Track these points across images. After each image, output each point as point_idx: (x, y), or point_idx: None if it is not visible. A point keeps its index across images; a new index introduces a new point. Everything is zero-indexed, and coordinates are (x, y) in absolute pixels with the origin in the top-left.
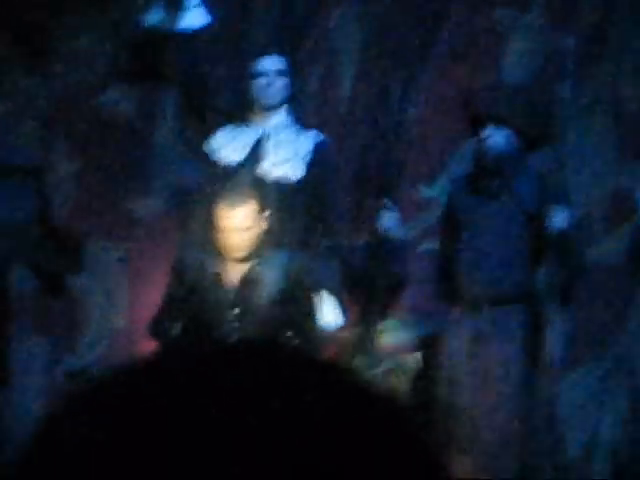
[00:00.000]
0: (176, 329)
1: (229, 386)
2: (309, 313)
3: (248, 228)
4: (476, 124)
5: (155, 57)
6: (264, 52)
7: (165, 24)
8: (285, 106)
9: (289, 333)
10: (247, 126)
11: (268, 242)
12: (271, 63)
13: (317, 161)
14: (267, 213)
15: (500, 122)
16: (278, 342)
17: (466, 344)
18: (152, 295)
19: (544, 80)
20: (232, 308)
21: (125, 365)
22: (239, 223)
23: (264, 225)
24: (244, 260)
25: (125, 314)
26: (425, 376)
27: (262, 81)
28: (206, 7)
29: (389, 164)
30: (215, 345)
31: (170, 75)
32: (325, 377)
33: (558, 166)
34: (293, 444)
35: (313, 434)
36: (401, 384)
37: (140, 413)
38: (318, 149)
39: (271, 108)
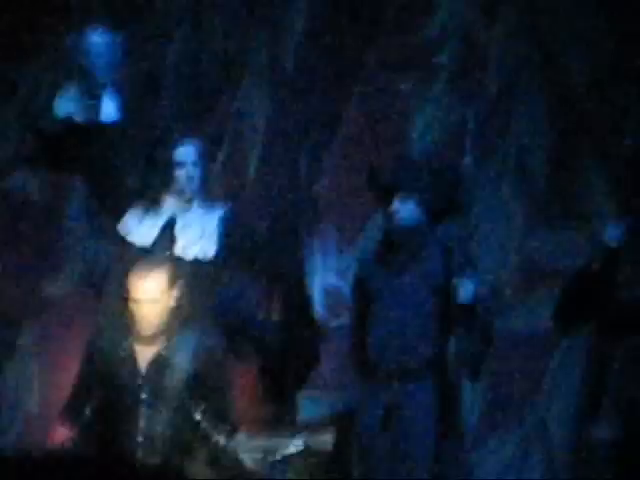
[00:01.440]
0: (88, 412)
1: None
2: (221, 392)
3: (157, 300)
4: (383, 198)
5: (64, 143)
6: (176, 140)
7: (76, 113)
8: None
9: (199, 414)
10: (156, 209)
11: (179, 321)
12: (188, 154)
13: (225, 236)
14: (177, 290)
15: (406, 194)
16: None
17: (378, 417)
18: (65, 378)
19: (450, 152)
20: (141, 391)
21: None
22: (149, 294)
23: (174, 301)
24: (154, 339)
25: (38, 398)
26: (339, 454)
27: (181, 172)
28: (117, 99)
29: (298, 238)
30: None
31: (79, 162)
32: None
33: (465, 237)
34: None
35: None
36: (315, 464)
37: None
38: (225, 223)
39: (188, 197)
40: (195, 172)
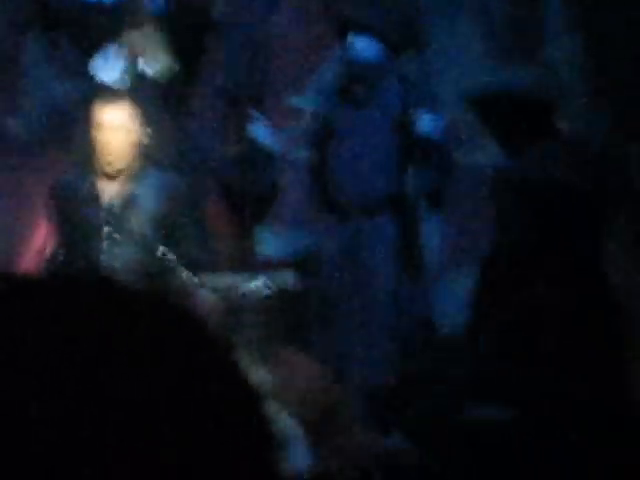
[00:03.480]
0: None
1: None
2: (185, 229)
3: (123, 127)
4: (341, 31)
5: None
6: None
7: None
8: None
9: (164, 249)
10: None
11: (143, 158)
12: None
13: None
14: (141, 124)
15: (363, 28)
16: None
17: (339, 254)
18: (27, 215)
19: None
20: (106, 226)
21: None
22: (114, 119)
23: (138, 134)
24: (119, 175)
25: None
26: (300, 291)
27: None
28: None
29: (256, 73)
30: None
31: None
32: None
33: (424, 70)
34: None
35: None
36: (275, 302)
37: None
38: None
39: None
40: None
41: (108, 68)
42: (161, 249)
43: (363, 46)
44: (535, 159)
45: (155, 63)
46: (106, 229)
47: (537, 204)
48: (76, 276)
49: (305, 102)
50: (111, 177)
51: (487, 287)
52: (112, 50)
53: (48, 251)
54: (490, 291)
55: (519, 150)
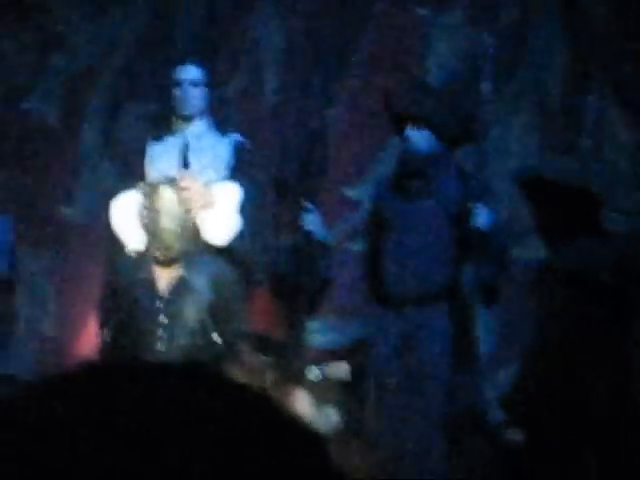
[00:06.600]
0: (106, 335)
1: (140, 410)
2: (238, 317)
3: (179, 213)
4: (398, 125)
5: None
6: (183, 60)
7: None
8: (204, 114)
9: (217, 336)
10: (172, 135)
11: (197, 246)
12: (186, 73)
13: (237, 163)
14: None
15: (421, 122)
16: (195, 366)
17: (393, 345)
18: (81, 302)
19: (466, 79)
20: (161, 315)
21: (49, 378)
22: (171, 207)
23: (194, 221)
24: (173, 262)
25: (55, 322)
26: (355, 383)
27: (178, 91)
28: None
29: (312, 165)
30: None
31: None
32: (239, 402)
33: (481, 164)
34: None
35: (221, 459)
36: (331, 393)
37: (54, 427)
38: (238, 151)
39: (189, 117)
40: (193, 92)
41: (159, 165)
42: (215, 335)
43: (420, 139)
44: (576, 253)
45: (207, 170)
46: (161, 316)
47: (577, 297)
48: (136, 363)
49: (360, 194)
50: (165, 263)
51: (531, 378)
52: (161, 142)
53: (102, 337)
54: (534, 382)
55: (562, 244)
